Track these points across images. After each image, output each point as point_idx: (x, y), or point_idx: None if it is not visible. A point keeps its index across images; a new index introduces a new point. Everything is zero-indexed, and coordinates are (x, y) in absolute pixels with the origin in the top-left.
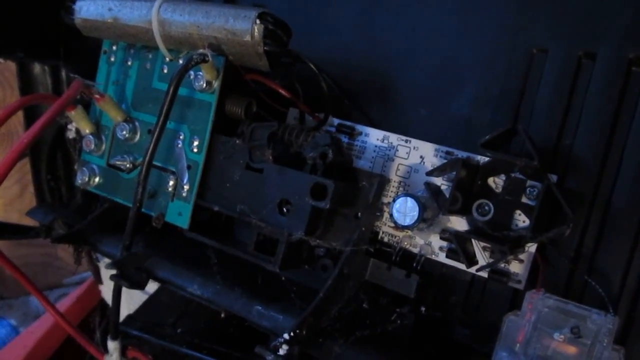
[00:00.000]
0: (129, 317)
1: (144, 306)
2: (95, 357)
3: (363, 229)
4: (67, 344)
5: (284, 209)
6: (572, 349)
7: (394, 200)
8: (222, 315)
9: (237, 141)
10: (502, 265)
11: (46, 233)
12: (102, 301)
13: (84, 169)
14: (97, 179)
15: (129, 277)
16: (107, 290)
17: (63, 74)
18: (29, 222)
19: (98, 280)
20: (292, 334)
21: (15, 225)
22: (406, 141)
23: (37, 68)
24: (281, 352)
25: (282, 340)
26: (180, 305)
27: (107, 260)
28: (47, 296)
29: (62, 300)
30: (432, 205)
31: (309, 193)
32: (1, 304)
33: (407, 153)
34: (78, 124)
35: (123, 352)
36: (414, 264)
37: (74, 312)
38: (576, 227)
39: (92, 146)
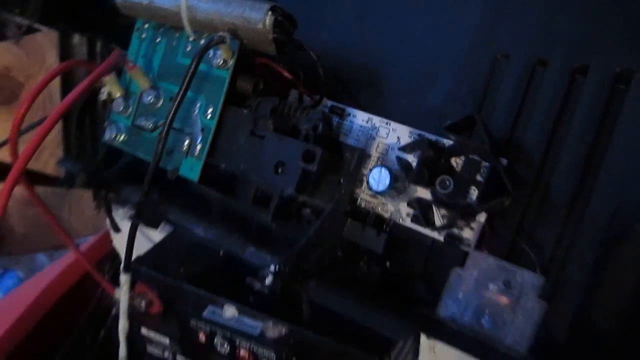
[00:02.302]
0: (138, 258)
1: (151, 251)
2: (107, 293)
3: (343, 191)
4: (76, 287)
5: (279, 170)
6: (503, 299)
7: (370, 170)
8: (221, 253)
9: (245, 111)
10: (457, 231)
11: (71, 182)
12: (112, 251)
13: (112, 127)
14: (122, 137)
15: (145, 218)
16: (119, 239)
17: (98, 46)
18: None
19: (114, 228)
20: (277, 268)
21: (46, 175)
22: (387, 123)
23: (76, 38)
24: (267, 282)
25: (269, 271)
26: (183, 252)
27: (120, 213)
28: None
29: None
30: (402, 177)
31: (300, 157)
32: (8, 260)
33: (386, 133)
34: (110, 88)
35: (132, 286)
36: (384, 226)
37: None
38: (519, 205)
39: (121, 108)
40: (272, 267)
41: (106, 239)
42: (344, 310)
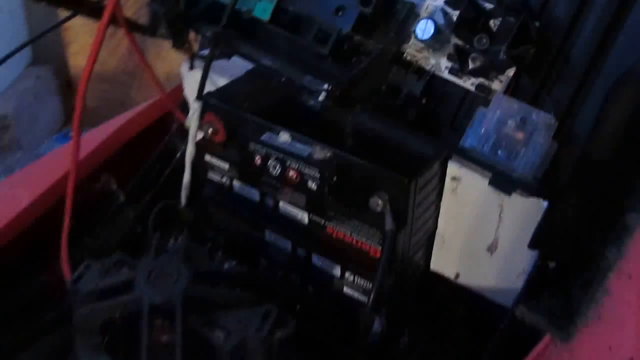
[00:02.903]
0: (209, 92)
1: (221, 88)
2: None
3: (392, 36)
4: (151, 127)
5: (339, 12)
6: (519, 135)
7: (418, 22)
8: (282, 79)
9: None
10: (487, 83)
11: (155, 28)
12: (182, 104)
13: None
14: None
15: (220, 49)
16: (192, 84)
17: None
18: None
19: (191, 65)
20: (330, 88)
21: (134, 22)
22: None
23: None
24: (320, 98)
25: (322, 90)
26: (248, 91)
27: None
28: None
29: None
30: (445, 30)
31: (359, 1)
32: None
33: None
34: None
35: (202, 116)
36: (425, 75)
37: (158, 104)
38: (544, 63)
39: None
40: (325, 86)
41: (177, 92)
42: (382, 131)
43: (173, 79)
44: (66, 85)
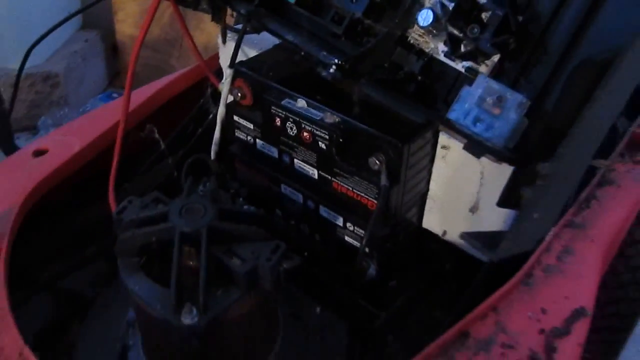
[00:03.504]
0: (240, 62)
1: (250, 59)
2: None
3: (397, 21)
4: (189, 89)
5: (354, 0)
6: (496, 110)
7: (420, 11)
8: (302, 53)
9: None
10: (476, 66)
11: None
12: (217, 71)
13: None
14: None
15: (252, 23)
16: (226, 54)
17: None
18: None
19: (224, 40)
20: (339, 62)
21: None
22: None
23: None
24: (331, 70)
25: (333, 63)
26: (273, 63)
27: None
28: None
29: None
30: (443, 19)
31: None
32: (120, 92)
33: None
34: None
35: (233, 81)
36: (424, 56)
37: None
38: (525, 52)
39: None
40: (336, 60)
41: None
42: (383, 101)
43: (210, 49)
44: (111, 50)
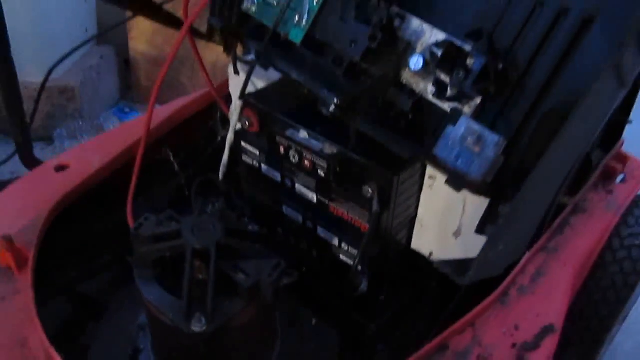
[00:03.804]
0: (248, 93)
1: (258, 91)
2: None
3: (391, 65)
4: (200, 113)
5: (352, 44)
6: (476, 148)
7: (412, 56)
8: (305, 91)
9: (339, 3)
10: (460, 106)
11: (211, 35)
12: (226, 96)
13: (249, 0)
14: (254, 8)
15: (261, 60)
16: (236, 82)
17: None
18: None
19: (235, 70)
20: (338, 102)
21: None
22: (431, 28)
23: None
24: (331, 108)
25: (333, 102)
26: (279, 95)
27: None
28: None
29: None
30: (432, 64)
31: (368, 38)
32: (132, 105)
33: (430, 36)
34: None
35: (242, 110)
36: (414, 96)
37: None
38: (504, 94)
39: None
40: (335, 100)
41: (223, 86)
42: (377, 135)
43: (219, 67)
44: (124, 65)
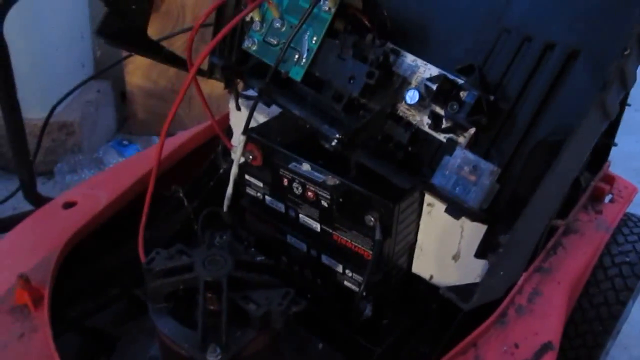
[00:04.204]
0: (251, 128)
1: (260, 125)
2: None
3: (388, 100)
4: (202, 146)
5: (351, 81)
6: (472, 177)
7: (407, 91)
8: (307, 126)
9: (336, 42)
10: (455, 137)
11: (212, 72)
12: (228, 130)
13: (250, 39)
14: (255, 46)
15: (263, 98)
16: (235, 118)
17: None
18: None
19: (237, 106)
20: (339, 137)
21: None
22: (425, 64)
23: None
24: (333, 143)
25: (335, 138)
26: (281, 129)
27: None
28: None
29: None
30: (427, 97)
31: (365, 75)
32: (129, 137)
33: (423, 70)
34: (253, 13)
35: (245, 145)
36: (411, 128)
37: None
38: (496, 126)
39: (258, 28)
40: (337, 135)
41: (224, 119)
42: (376, 167)
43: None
44: (120, 99)
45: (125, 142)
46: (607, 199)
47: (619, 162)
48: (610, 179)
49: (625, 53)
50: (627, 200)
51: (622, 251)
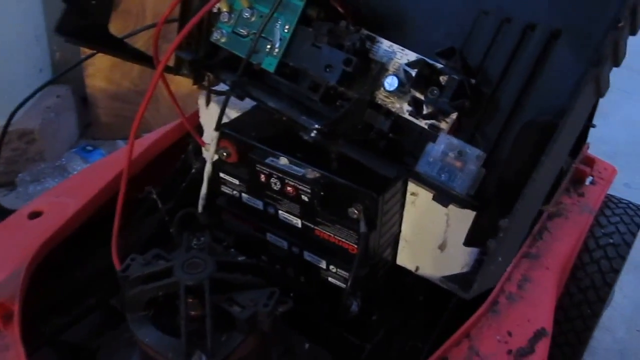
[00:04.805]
0: (224, 124)
1: (233, 120)
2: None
3: (366, 88)
4: (173, 146)
5: (327, 69)
6: (457, 163)
7: (386, 77)
8: (284, 118)
9: (310, 30)
10: (437, 123)
11: (179, 68)
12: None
13: (218, 31)
14: (224, 39)
15: (236, 91)
16: (206, 115)
17: None
18: None
19: (207, 102)
20: (319, 127)
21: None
22: (402, 49)
23: None
24: (312, 134)
25: (314, 128)
26: (256, 123)
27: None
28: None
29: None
30: (406, 84)
31: (342, 62)
32: (93, 143)
33: (401, 56)
34: (221, 4)
35: (218, 142)
36: (391, 116)
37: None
38: (479, 110)
39: (226, 19)
40: (316, 126)
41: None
42: (358, 157)
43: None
44: (82, 103)
45: (89, 148)
46: (587, 181)
47: (596, 143)
48: (590, 161)
49: (620, 25)
50: (608, 182)
51: (605, 233)
